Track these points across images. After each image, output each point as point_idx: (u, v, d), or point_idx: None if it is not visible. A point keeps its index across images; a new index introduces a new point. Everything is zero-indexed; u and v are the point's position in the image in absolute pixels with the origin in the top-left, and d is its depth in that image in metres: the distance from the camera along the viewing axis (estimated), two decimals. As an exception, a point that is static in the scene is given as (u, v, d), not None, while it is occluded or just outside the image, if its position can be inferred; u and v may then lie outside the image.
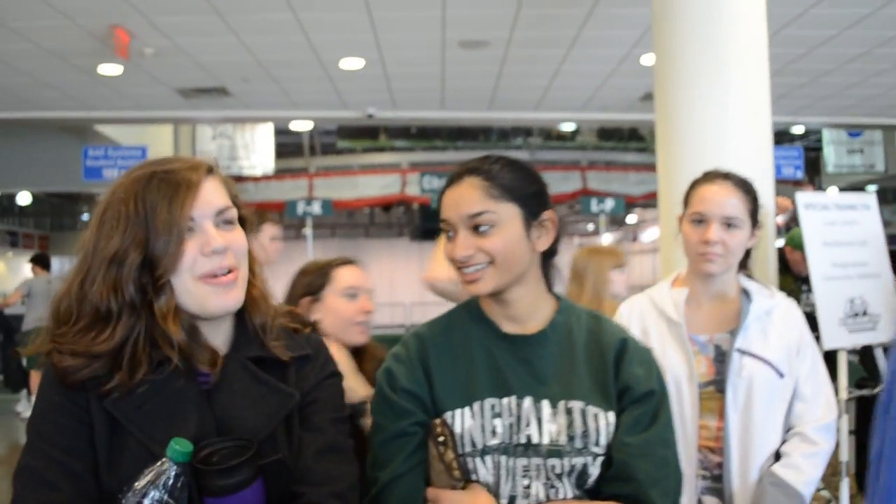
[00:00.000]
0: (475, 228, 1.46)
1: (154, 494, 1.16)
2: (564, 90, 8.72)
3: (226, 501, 1.23)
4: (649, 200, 16.42)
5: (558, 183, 15.34)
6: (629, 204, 15.04)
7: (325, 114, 9.66)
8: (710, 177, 2.17)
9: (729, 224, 2.09)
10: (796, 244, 5.06)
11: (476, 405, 1.46)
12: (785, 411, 2.10)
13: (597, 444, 1.44)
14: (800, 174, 11.20)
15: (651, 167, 16.33)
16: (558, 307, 1.57)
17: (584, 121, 10.65)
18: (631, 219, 20.66)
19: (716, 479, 2.07)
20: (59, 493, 1.22)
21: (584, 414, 1.45)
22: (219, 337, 1.40)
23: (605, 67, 7.85)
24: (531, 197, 1.51)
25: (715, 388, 2.09)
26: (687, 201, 2.20)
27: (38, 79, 7.78)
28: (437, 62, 7.58)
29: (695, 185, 2.18)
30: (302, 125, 11.27)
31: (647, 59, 7.47)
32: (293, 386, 1.39)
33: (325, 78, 8.03)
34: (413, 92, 8.77)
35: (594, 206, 11.60)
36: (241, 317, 1.42)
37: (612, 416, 1.46)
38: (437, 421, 1.45)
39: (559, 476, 1.42)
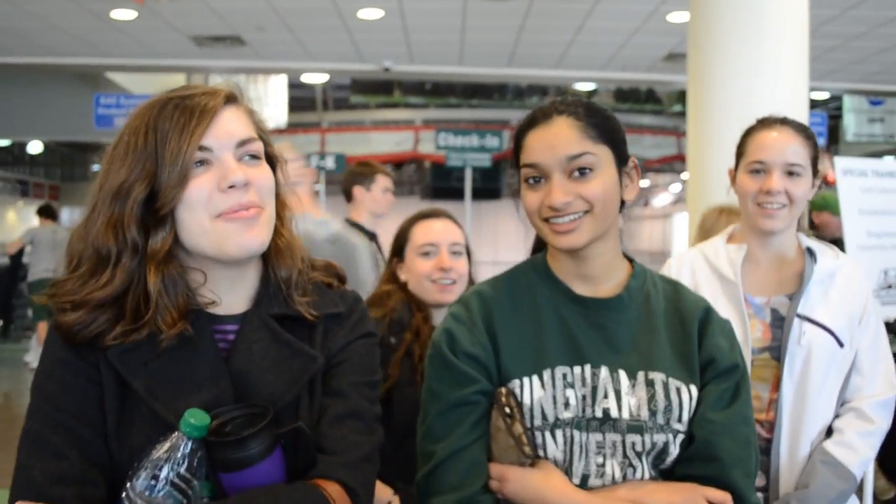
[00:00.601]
0: (571, 172, 1.31)
1: (168, 469, 1.05)
2: (586, 47, 8.51)
3: (240, 476, 1.10)
4: (662, 165, 16.23)
5: (573, 144, 15.08)
6: (644, 168, 14.86)
7: (341, 66, 9.48)
8: (768, 122, 2.00)
9: (791, 172, 1.92)
10: (819, 206, 4.95)
11: (546, 374, 1.32)
12: (841, 384, 1.95)
13: (679, 420, 1.31)
14: (822, 141, 11.00)
15: (667, 131, 16.20)
16: (632, 270, 1.43)
17: (605, 80, 10.45)
18: (643, 183, 20.44)
19: (763, 452, 1.93)
20: (66, 461, 1.10)
21: (666, 387, 1.32)
22: (241, 291, 1.27)
23: (630, 24, 7.65)
24: (621, 141, 1.37)
25: (770, 356, 1.95)
26: (742, 151, 2.03)
27: (50, 22, 7.62)
28: (459, 14, 7.38)
29: (751, 132, 2.02)
30: (316, 77, 11.07)
31: (675, 17, 7.27)
32: (319, 347, 1.26)
33: (342, 28, 7.85)
34: (431, 45, 8.58)
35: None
36: (269, 268, 1.29)
37: (694, 389, 1.33)
38: (503, 390, 1.31)
39: (639, 454, 1.29)
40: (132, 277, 1.17)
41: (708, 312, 1.41)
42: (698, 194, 4.54)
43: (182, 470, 1.05)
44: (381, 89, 16.37)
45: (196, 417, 1.06)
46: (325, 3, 7.01)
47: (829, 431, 1.94)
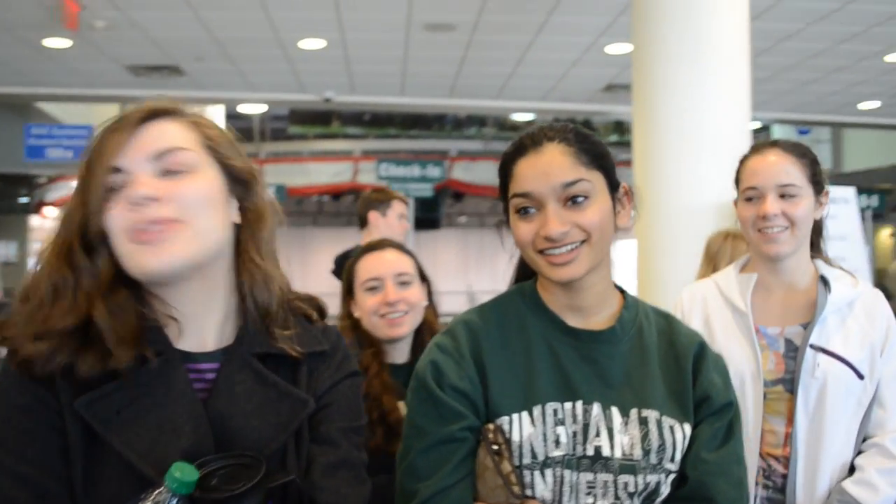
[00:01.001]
0: (567, 200, 1.26)
1: None
2: (527, 78, 8.60)
3: None
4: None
5: (511, 174, 15.25)
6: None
7: (281, 96, 9.38)
8: (758, 148, 1.97)
9: (787, 194, 1.88)
10: None
11: (536, 410, 1.26)
12: (861, 418, 1.87)
13: (672, 459, 1.27)
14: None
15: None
16: (624, 301, 1.39)
17: (545, 111, 10.56)
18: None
19: (779, 490, 1.87)
20: None
21: (659, 425, 1.27)
22: (212, 324, 1.18)
23: (570, 56, 7.75)
24: (612, 166, 1.33)
25: (784, 388, 1.88)
26: (737, 179, 2.00)
27: (-22, 50, 7.38)
28: (401, 45, 7.38)
29: (743, 160, 1.99)
30: (255, 108, 10.97)
31: (614, 49, 7.39)
32: (304, 388, 1.19)
33: (282, 58, 7.77)
34: (373, 76, 8.56)
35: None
36: (243, 300, 1.20)
37: (688, 428, 1.30)
38: (491, 426, 1.25)
39: (630, 495, 1.24)
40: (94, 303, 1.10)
41: (702, 348, 1.38)
42: (645, 221, 4.57)
43: None
44: (319, 120, 16.32)
45: (183, 472, 0.97)
46: (266, 33, 6.93)
47: (853, 469, 1.86)
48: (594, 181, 1.28)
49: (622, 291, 1.42)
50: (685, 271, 3.38)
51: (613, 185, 1.33)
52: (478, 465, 1.24)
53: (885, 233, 15.58)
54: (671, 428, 1.28)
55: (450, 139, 17.00)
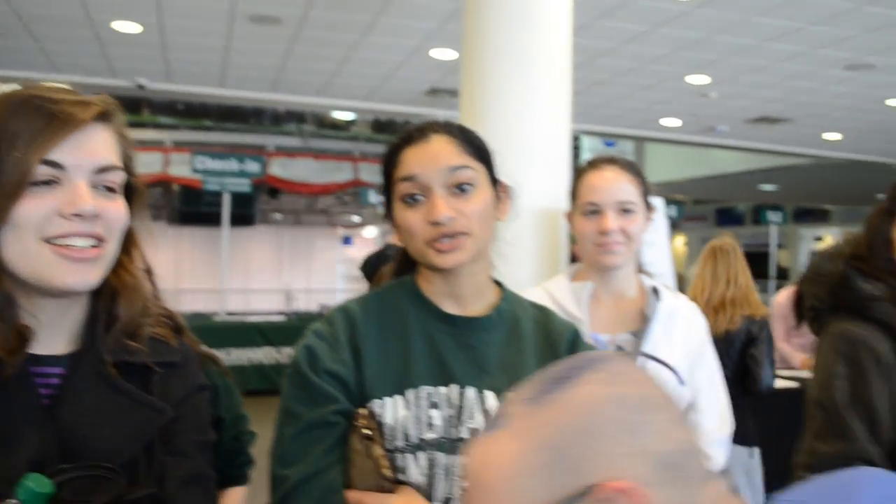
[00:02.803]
0: (452, 187, 1.30)
1: None
2: (351, 77, 8.56)
3: None
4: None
5: (330, 172, 15.19)
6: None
7: (90, 80, 8.79)
8: (596, 164, 2.04)
9: (625, 209, 1.97)
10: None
11: (410, 393, 1.27)
12: None
13: None
14: (565, 178, 11.82)
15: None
16: (502, 294, 1.44)
17: (368, 111, 10.57)
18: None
19: None
20: None
21: None
22: (64, 328, 1.11)
23: (395, 58, 7.78)
24: (492, 162, 1.39)
25: None
26: (575, 193, 2.07)
27: None
28: (223, 35, 7.14)
29: (581, 174, 2.05)
30: (58, 91, 10.22)
31: (438, 53, 7.50)
32: (157, 398, 1.13)
33: (93, 40, 7.31)
34: (191, 64, 8.22)
35: (372, 197, 11.52)
36: (103, 306, 1.14)
37: None
38: (362, 411, 1.25)
39: None
40: None
41: (577, 335, 1.44)
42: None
43: None
44: (128, 107, 15.45)
45: (37, 483, 0.90)
46: (75, 11, 6.49)
47: None
48: (478, 172, 1.33)
49: (500, 285, 1.46)
50: (506, 275, 3.47)
51: (494, 181, 1.38)
52: (349, 451, 1.24)
53: (679, 241, 16.87)
54: None
55: (267, 134, 16.61)
